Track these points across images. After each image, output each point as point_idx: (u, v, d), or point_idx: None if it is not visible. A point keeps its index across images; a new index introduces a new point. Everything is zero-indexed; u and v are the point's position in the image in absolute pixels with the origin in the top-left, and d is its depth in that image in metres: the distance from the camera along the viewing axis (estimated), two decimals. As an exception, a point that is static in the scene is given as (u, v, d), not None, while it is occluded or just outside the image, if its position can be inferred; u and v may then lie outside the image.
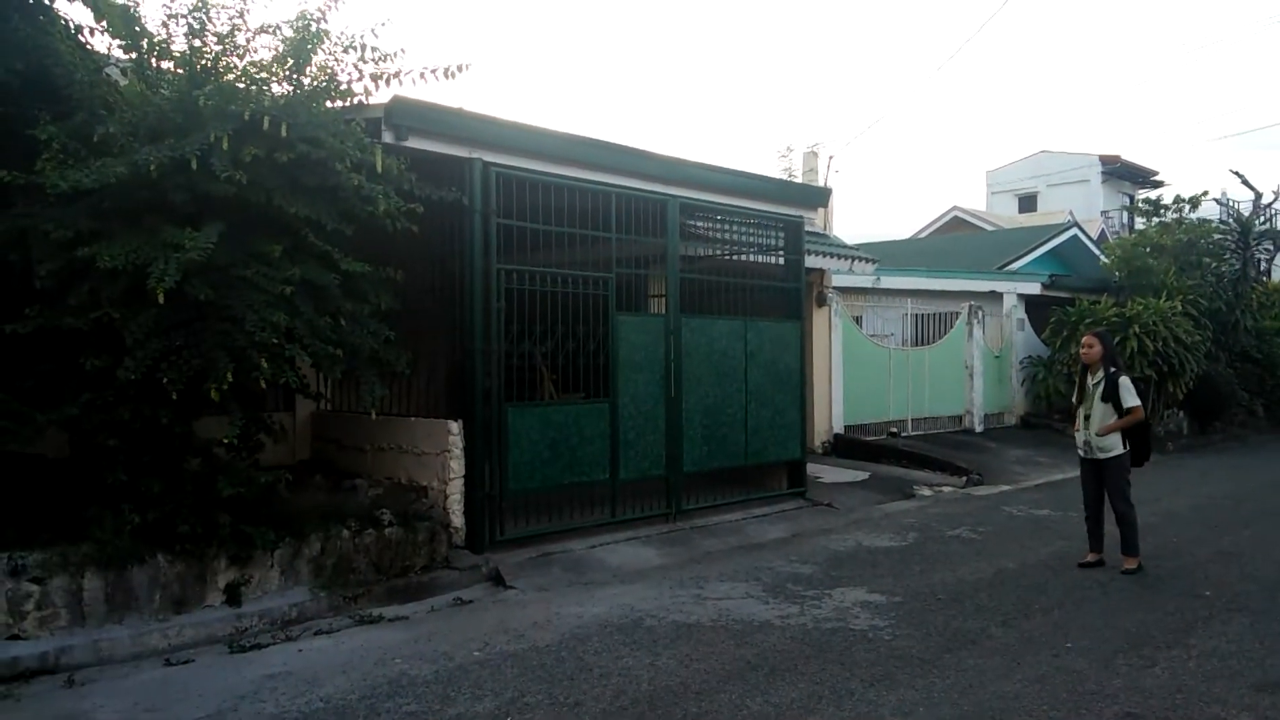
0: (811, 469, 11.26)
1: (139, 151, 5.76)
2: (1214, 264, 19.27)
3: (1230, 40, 66.83)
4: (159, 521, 5.96)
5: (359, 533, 6.83)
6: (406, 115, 7.22)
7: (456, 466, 7.69)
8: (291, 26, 6.67)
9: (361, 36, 6.79)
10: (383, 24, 6.85)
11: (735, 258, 10.45)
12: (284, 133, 5.99)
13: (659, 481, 9.06)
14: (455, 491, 7.69)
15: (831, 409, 14.09)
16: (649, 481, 8.99)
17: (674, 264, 9.16)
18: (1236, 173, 41.59)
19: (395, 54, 6.91)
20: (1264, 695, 4.75)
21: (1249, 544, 8.41)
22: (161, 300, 5.56)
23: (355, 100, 6.92)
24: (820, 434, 13.77)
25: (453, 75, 7.12)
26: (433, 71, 7.00)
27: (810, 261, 12.07)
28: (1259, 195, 22.78)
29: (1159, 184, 36.48)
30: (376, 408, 6.99)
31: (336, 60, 6.76)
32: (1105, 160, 35.99)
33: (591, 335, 8.53)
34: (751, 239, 10.48)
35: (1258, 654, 5.39)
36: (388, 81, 6.88)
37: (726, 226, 10.44)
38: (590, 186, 8.46)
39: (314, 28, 6.66)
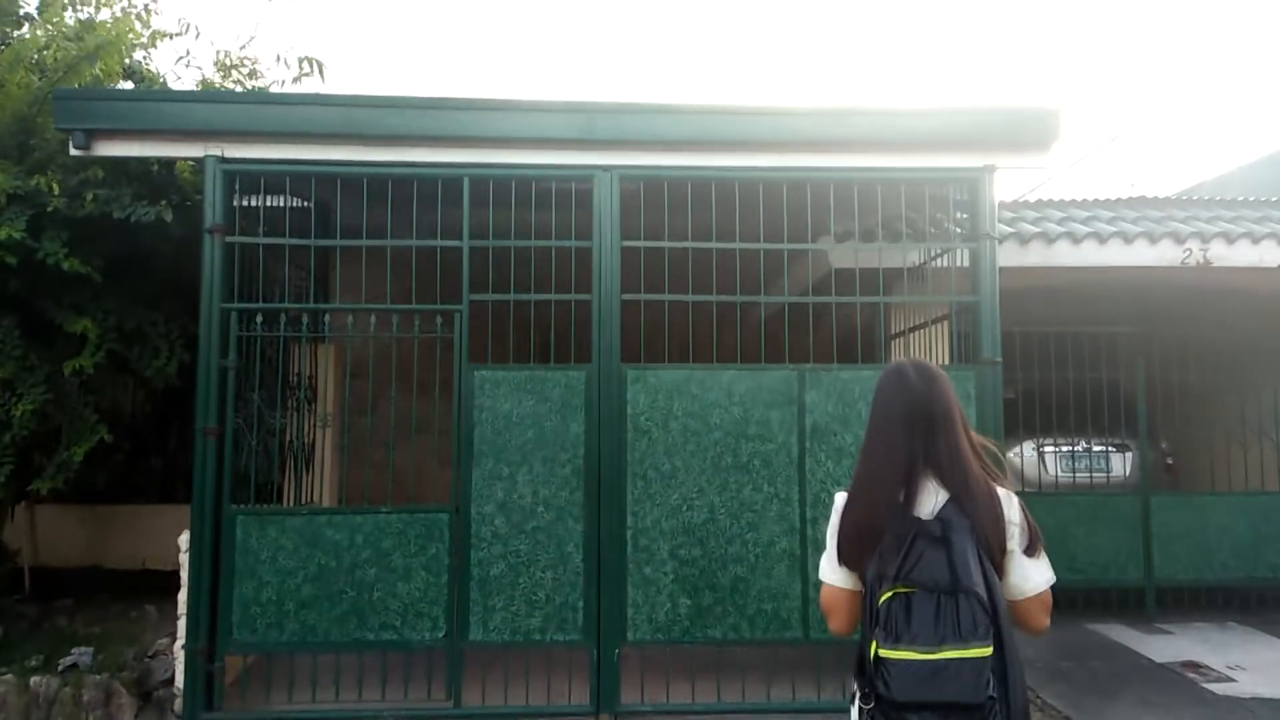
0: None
1: None
2: None
3: None
4: None
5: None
6: (77, 115, 5.24)
7: (184, 600, 5.28)
8: None
9: None
10: None
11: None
12: None
13: (574, 651, 5.29)
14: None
15: None
16: (549, 650, 5.30)
17: (609, 276, 5.40)
18: None
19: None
20: None
21: None
22: None
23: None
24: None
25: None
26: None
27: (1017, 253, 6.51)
28: None
29: None
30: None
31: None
32: None
33: (420, 402, 5.36)
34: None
35: None
36: None
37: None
38: (432, 172, 5.40)
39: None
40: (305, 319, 5.35)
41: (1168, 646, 6.46)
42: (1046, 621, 2.26)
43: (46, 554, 7.20)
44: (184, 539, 5.26)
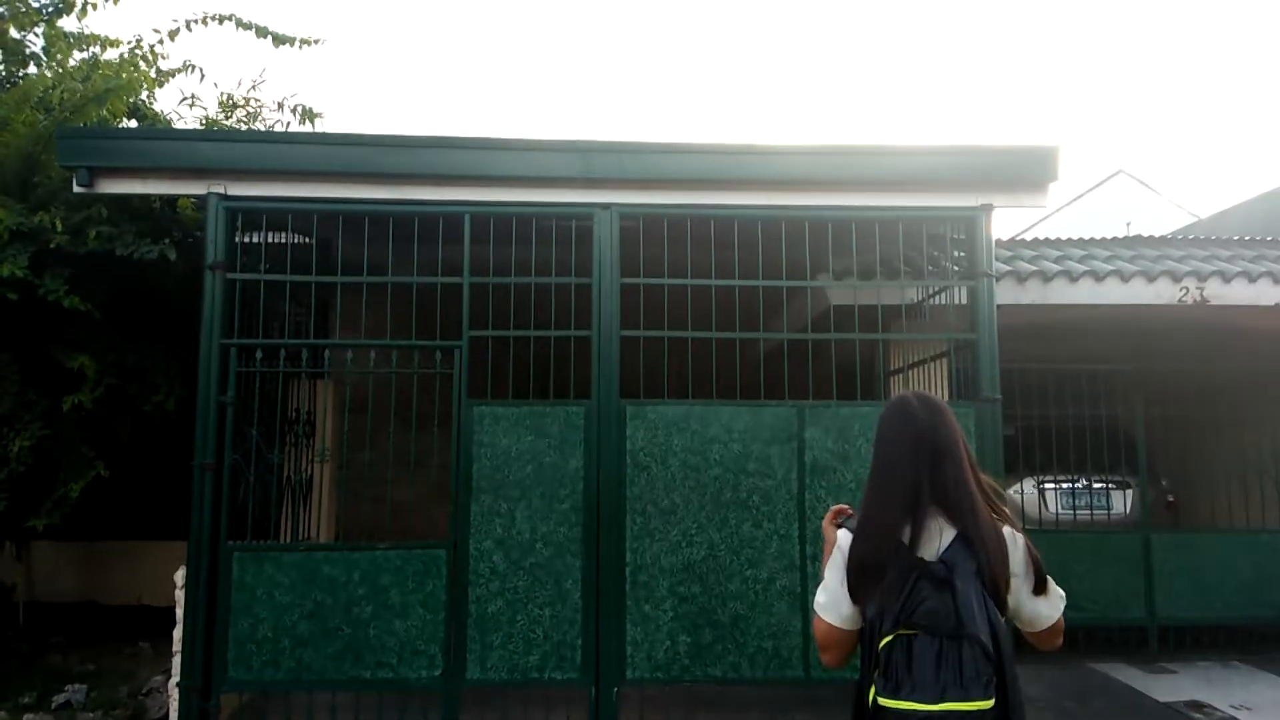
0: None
1: None
2: None
3: None
4: None
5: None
6: (81, 153, 5.30)
7: (179, 637, 5.24)
8: None
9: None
10: None
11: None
12: None
13: (572, 689, 5.24)
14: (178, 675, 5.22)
15: None
16: (546, 688, 5.26)
17: (608, 312, 5.42)
18: None
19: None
20: None
21: None
22: None
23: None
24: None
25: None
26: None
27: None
28: None
29: None
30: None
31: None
32: None
33: (419, 438, 5.36)
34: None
35: None
36: None
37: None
38: (434, 209, 5.45)
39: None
40: (305, 354, 5.37)
41: (1171, 686, 6.40)
42: (1059, 643, 2.29)
43: (41, 590, 7.16)
44: (180, 575, 5.25)
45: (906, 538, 2.11)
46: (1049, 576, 2.22)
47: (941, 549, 2.11)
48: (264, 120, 6.64)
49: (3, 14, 6.23)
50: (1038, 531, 7.20)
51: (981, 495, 2.20)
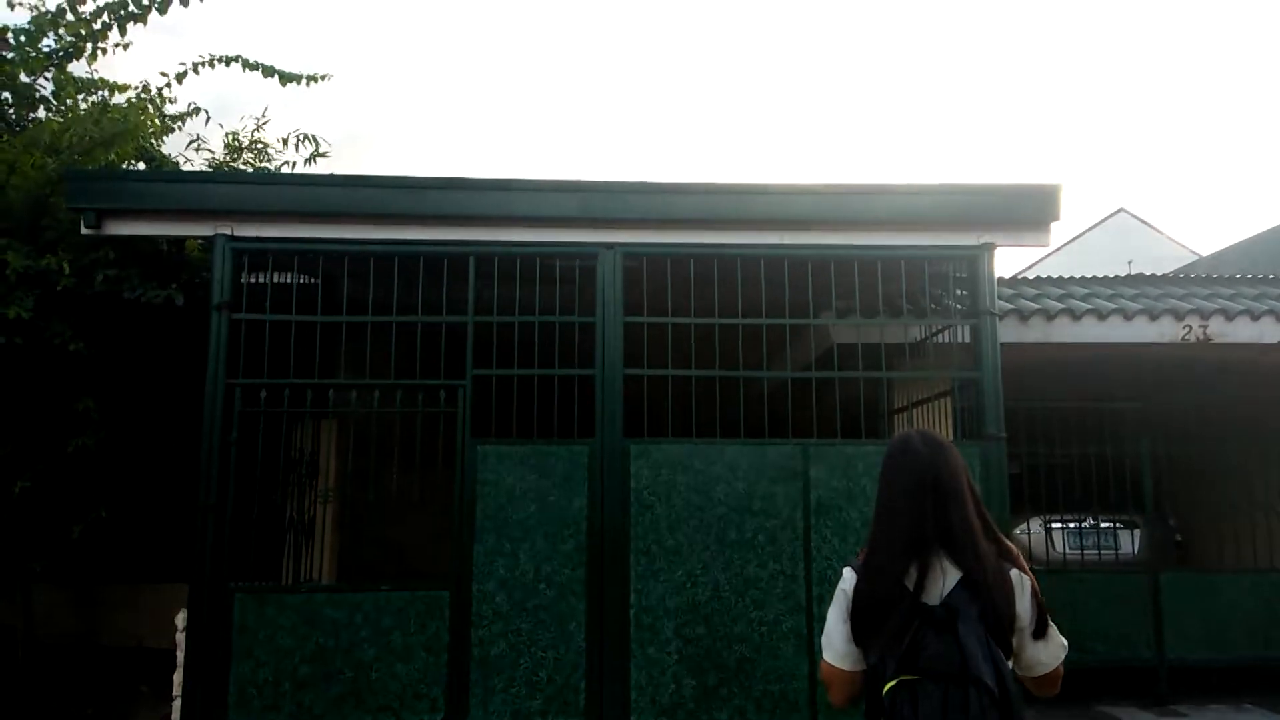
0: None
1: None
2: None
3: None
4: None
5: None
6: (88, 195, 5.34)
7: (179, 680, 5.19)
8: None
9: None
10: None
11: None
12: None
13: (576, 734, 5.18)
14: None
15: None
16: (549, 733, 5.19)
17: (612, 351, 5.43)
18: None
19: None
20: None
21: None
22: None
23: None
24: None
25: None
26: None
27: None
28: None
29: None
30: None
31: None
32: None
33: (422, 478, 5.35)
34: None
35: None
36: None
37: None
38: (438, 250, 5.47)
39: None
40: (309, 394, 5.37)
41: (1184, 729, 6.30)
42: (1056, 690, 2.25)
43: (41, 631, 7.10)
44: (181, 617, 5.20)
45: (911, 581, 2.09)
46: (1053, 624, 2.19)
47: (945, 591, 2.08)
48: (271, 159, 6.72)
49: (13, 59, 6.32)
50: (1045, 571, 7.14)
51: (987, 535, 2.18)
